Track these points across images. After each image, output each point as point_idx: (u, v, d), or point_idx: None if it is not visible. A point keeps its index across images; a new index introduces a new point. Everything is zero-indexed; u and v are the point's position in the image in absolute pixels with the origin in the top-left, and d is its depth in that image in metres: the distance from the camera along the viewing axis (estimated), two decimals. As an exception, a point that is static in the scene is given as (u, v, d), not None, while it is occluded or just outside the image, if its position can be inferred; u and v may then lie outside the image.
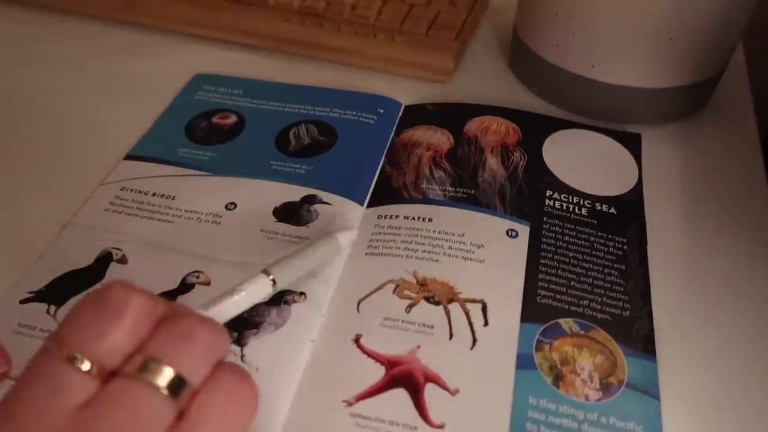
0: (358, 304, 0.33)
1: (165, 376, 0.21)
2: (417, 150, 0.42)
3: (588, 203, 0.39)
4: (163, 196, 0.39)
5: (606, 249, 0.36)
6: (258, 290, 0.30)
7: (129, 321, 0.21)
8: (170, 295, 0.34)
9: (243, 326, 0.32)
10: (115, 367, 0.21)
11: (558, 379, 0.30)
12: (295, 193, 0.39)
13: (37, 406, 0.20)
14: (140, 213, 0.38)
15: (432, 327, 0.32)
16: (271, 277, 0.30)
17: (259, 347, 0.31)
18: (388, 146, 0.43)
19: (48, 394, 0.20)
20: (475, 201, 0.38)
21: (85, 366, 0.21)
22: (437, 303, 0.33)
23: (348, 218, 0.38)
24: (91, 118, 0.46)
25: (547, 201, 0.39)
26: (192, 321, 0.22)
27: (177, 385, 0.21)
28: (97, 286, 0.34)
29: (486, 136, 0.43)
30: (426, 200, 0.39)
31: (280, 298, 0.33)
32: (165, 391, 0.20)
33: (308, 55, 0.50)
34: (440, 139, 0.43)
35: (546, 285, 0.34)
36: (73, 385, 0.20)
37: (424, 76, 0.49)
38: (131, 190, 0.40)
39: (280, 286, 0.31)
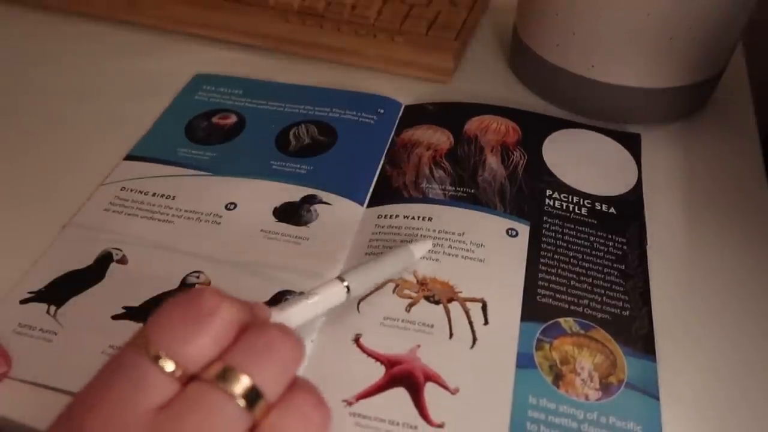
0: (358, 303, 0.33)
1: (242, 385, 0.21)
2: (417, 149, 0.42)
3: (588, 203, 0.39)
4: (163, 196, 0.39)
5: (606, 249, 0.36)
6: (332, 295, 0.30)
7: (216, 328, 0.22)
8: (170, 295, 0.34)
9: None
10: (197, 372, 0.21)
11: (558, 378, 0.30)
12: (295, 193, 0.39)
13: (119, 401, 0.21)
14: (140, 213, 0.38)
15: (432, 326, 0.32)
16: (345, 284, 0.30)
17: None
18: (388, 146, 0.43)
19: (130, 389, 0.21)
20: (475, 200, 0.38)
21: (170, 367, 0.21)
22: (437, 302, 0.33)
23: (348, 218, 0.38)
24: (91, 118, 0.46)
25: (547, 200, 0.39)
26: (274, 334, 0.23)
27: (253, 396, 0.21)
28: (100, 283, 0.34)
29: (486, 136, 0.43)
30: (426, 200, 0.39)
31: (280, 299, 0.33)
32: (241, 401, 0.21)
33: (308, 55, 0.51)
34: (440, 138, 0.43)
35: (546, 284, 0.34)
36: (156, 384, 0.21)
37: (424, 76, 0.49)
38: (131, 190, 0.40)
39: (354, 293, 0.31)
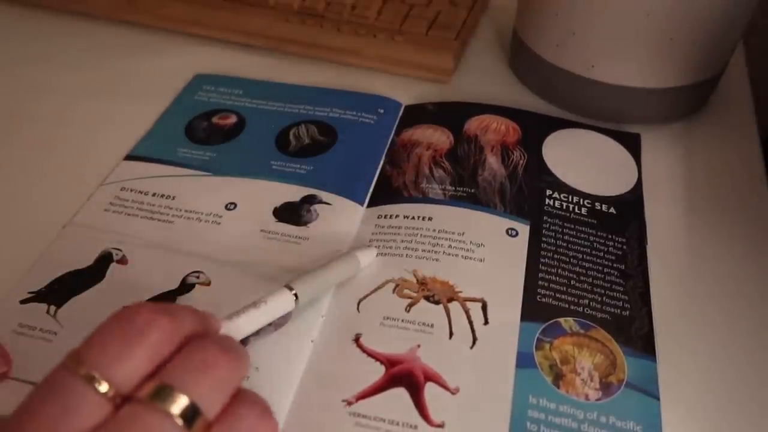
0: (358, 303, 0.33)
1: (179, 404, 0.20)
2: (417, 149, 0.42)
3: (588, 203, 0.39)
4: (163, 196, 0.39)
5: (606, 248, 0.36)
6: (281, 304, 0.30)
7: (150, 345, 0.21)
8: (170, 295, 0.34)
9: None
10: (131, 392, 0.21)
11: (558, 378, 0.30)
12: (295, 193, 0.39)
13: (47, 424, 0.20)
14: (140, 213, 0.38)
15: (432, 326, 0.32)
16: (293, 292, 0.31)
17: (259, 347, 0.31)
18: (388, 146, 0.43)
19: (60, 412, 0.20)
20: (475, 200, 0.38)
21: (103, 387, 0.20)
22: (437, 302, 0.33)
23: (348, 218, 0.38)
24: (91, 118, 0.46)
25: (546, 200, 0.39)
26: (212, 348, 0.22)
27: (191, 414, 0.20)
28: (100, 283, 0.34)
29: (486, 135, 0.43)
30: (426, 199, 0.39)
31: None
32: (179, 420, 0.20)
33: (308, 55, 0.51)
34: (440, 138, 0.43)
35: (546, 284, 0.34)
36: (87, 406, 0.20)
37: (424, 76, 0.49)
38: (131, 191, 0.40)
39: (302, 301, 0.31)
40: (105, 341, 0.21)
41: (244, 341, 0.31)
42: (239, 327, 0.28)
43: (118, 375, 0.21)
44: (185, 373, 0.21)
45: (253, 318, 0.29)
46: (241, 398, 0.22)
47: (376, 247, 0.36)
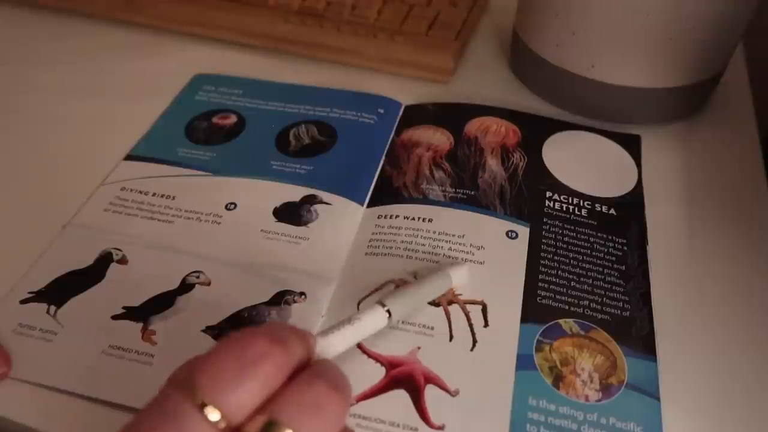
0: (358, 304, 0.33)
1: None
2: (417, 150, 0.42)
3: (588, 204, 0.39)
4: (163, 196, 0.39)
5: (606, 250, 0.36)
6: (374, 321, 0.30)
7: (264, 376, 0.21)
8: (170, 295, 0.34)
9: (244, 327, 0.32)
10: (241, 423, 0.21)
11: (558, 379, 0.30)
12: (295, 193, 0.39)
13: None
14: (140, 213, 0.38)
15: (432, 328, 0.32)
16: (386, 309, 0.30)
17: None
18: (388, 146, 0.43)
19: None
20: (475, 202, 0.38)
21: (214, 416, 0.20)
22: (437, 304, 0.33)
23: (348, 218, 0.38)
24: (91, 118, 0.46)
25: (546, 202, 0.39)
26: (323, 388, 0.22)
27: None
28: (100, 283, 0.34)
29: (486, 137, 0.43)
30: (426, 201, 0.39)
31: (280, 299, 0.33)
32: None
33: (308, 55, 0.50)
34: (440, 139, 0.43)
35: (546, 286, 0.34)
36: None
37: (424, 76, 0.49)
38: (131, 191, 0.40)
39: (395, 318, 0.31)
40: (219, 370, 0.21)
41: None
42: (332, 344, 0.27)
43: (232, 405, 0.20)
44: (296, 411, 0.21)
45: (347, 335, 0.28)
46: None
47: (467, 265, 0.35)
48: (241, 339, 0.22)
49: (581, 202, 0.39)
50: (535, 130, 0.44)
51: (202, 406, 0.20)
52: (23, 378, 0.30)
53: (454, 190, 0.39)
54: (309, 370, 0.23)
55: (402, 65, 0.49)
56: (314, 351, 0.25)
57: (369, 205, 0.39)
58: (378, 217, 0.38)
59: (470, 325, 0.32)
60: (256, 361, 0.21)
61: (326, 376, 0.23)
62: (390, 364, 0.31)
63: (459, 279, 0.34)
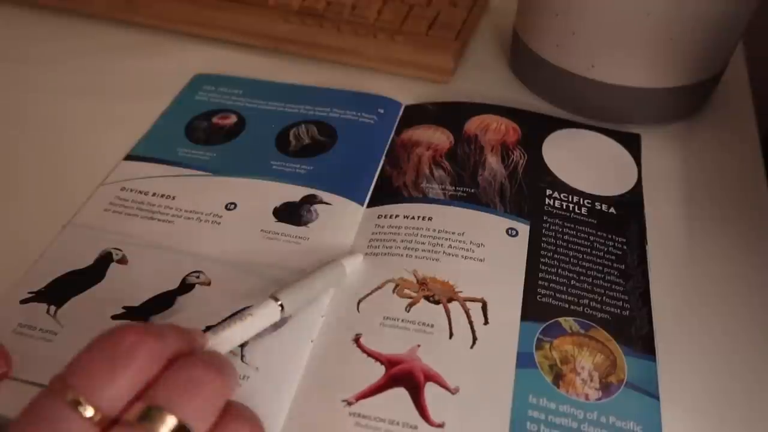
0: (358, 303, 0.33)
1: (167, 424, 0.20)
2: (417, 149, 0.42)
3: (588, 203, 0.39)
4: (163, 196, 0.39)
5: (606, 248, 0.36)
6: (266, 315, 0.30)
7: (137, 366, 0.21)
8: (170, 295, 0.34)
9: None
10: (118, 415, 0.21)
11: (558, 378, 0.30)
12: (295, 193, 0.39)
13: None
14: (140, 213, 0.38)
15: (432, 326, 0.32)
16: (279, 303, 0.31)
17: (259, 347, 0.31)
18: (388, 146, 0.43)
19: None
20: (475, 200, 0.38)
21: (89, 412, 0.20)
22: (437, 302, 0.33)
23: (348, 218, 0.38)
24: (91, 118, 0.46)
25: (546, 200, 0.39)
26: (197, 366, 0.22)
27: None
28: (100, 283, 0.34)
29: (486, 135, 0.43)
30: (426, 199, 0.39)
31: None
32: None
33: (308, 55, 0.50)
34: (440, 138, 0.43)
35: (546, 284, 0.34)
36: None
37: (424, 76, 0.49)
38: (131, 191, 0.40)
39: (288, 311, 0.31)
40: (91, 365, 0.21)
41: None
42: (226, 340, 0.28)
43: (105, 399, 0.20)
44: (172, 392, 0.21)
45: (239, 331, 0.29)
46: (232, 414, 0.22)
47: (361, 255, 0.35)
48: (110, 333, 0.22)
49: (581, 200, 0.39)
50: (535, 128, 0.44)
51: (76, 404, 0.20)
52: (23, 378, 0.30)
53: (453, 188, 0.39)
54: (188, 356, 0.23)
55: (402, 65, 0.49)
56: (203, 346, 0.25)
57: (369, 205, 0.39)
58: (378, 217, 0.38)
59: (470, 323, 0.32)
60: (128, 352, 0.21)
61: (204, 359, 0.23)
62: (389, 362, 0.31)
63: (352, 268, 0.34)
